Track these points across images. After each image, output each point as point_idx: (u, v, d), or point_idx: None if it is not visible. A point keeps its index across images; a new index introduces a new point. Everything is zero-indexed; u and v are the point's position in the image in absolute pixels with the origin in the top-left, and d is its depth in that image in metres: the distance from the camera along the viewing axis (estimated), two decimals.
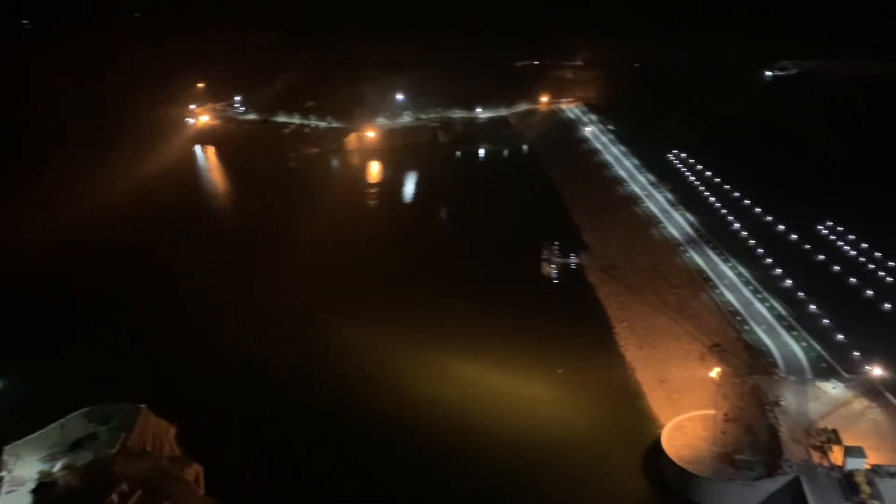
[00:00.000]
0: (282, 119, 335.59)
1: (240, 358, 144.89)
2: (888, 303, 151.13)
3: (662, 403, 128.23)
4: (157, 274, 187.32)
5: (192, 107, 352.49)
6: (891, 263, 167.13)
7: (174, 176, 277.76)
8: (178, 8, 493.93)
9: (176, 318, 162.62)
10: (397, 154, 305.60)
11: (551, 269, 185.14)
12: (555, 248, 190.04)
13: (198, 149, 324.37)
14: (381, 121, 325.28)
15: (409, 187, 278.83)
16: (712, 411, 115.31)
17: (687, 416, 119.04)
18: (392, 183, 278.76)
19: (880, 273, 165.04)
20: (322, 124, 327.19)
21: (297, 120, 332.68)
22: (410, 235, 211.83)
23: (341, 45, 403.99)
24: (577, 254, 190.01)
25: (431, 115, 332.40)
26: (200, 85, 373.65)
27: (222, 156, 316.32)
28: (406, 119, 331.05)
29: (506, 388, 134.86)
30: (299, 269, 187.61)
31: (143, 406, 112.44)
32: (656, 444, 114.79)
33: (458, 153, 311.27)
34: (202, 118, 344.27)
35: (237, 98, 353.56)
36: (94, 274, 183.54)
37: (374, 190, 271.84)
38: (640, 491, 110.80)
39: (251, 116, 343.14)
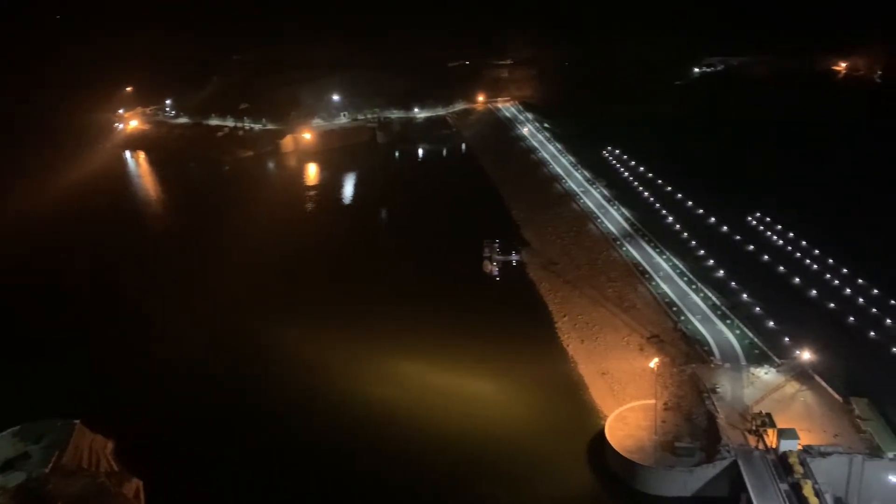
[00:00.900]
0: (215, 122, 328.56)
1: (177, 368, 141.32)
2: (814, 289, 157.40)
3: (605, 395, 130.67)
4: (86, 283, 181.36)
5: (120, 111, 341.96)
6: (816, 252, 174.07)
7: (103, 182, 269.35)
8: (101, 9, 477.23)
9: (107, 329, 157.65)
10: (335, 155, 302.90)
11: (493, 267, 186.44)
12: (496, 245, 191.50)
13: (128, 154, 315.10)
14: (318, 122, 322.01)
15: (348, 189, 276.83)
16: (652, 401, 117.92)
17: (628, 407, 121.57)
18: (330, 185, 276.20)
19: (806, 261, 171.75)
20: (257, 126, 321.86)
21: (230, 123, 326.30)
22: (351, 237, 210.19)
23: (275, 46, 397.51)
24: (517, 251, 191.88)
25: (369, 116, 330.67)
26: (129, 89, 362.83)
27: (154, 161, 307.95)
28: (343, 120, 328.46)
29: (451, 387, 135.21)
30: (237, 275, 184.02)
31: (76, 422, 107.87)
32: (600, 435, 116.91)
33: (397, 153, 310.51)
34: (131, 123, 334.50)
35: (168, 101, 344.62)
36: (16, 285, 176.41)
37: (312, 192, 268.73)
38: (586, 482, 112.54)
39: (183, 120, 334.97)
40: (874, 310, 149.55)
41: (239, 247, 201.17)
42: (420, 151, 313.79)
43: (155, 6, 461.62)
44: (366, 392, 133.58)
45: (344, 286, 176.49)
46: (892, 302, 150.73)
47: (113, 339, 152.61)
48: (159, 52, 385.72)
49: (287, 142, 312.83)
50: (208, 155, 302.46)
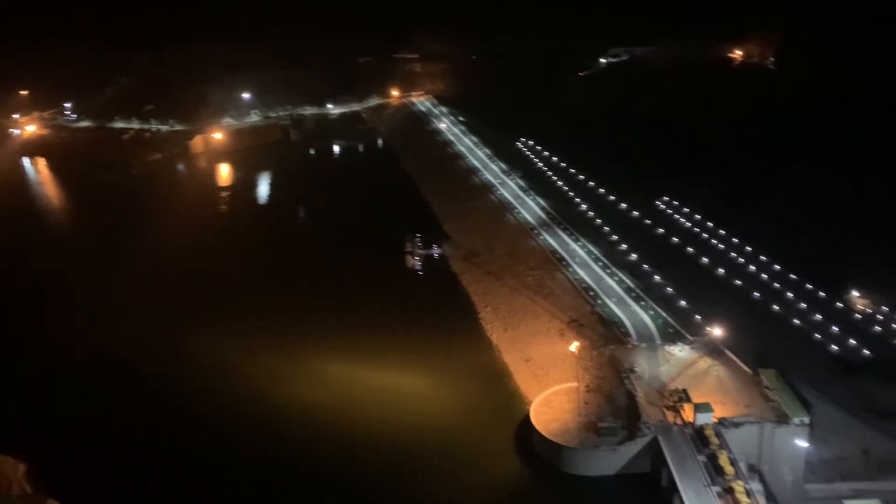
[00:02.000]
0: (119, 125, 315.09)
1: (91, 382, 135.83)
2: (721, 268, 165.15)
3: (529, 381, 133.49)
4: None
5: (15, 116, 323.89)
6: (722, 232, 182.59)
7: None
8: None
9: (14, 346, 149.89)
10: (248, 155, 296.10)
11: (415, 262, 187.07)
12: (417, 240, 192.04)
13: (26, 161, 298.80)
14: (228, 121, 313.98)
15: (263, 188, 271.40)
16: (575, 384, 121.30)
17: (552, 391, 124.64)
18: (244, 185, 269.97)
19: (712, 241, 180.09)
20: (164, 128, 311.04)
21: (136, 125, 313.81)
22: (268, 238, 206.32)
23: (181, 45, 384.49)
24: (438, 244, 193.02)
25: (281, 113, 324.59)
26: (23, 92, 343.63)
27: (55, 167, 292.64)
28: (254, 118, 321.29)
29: (380, 384, 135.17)
30: (151, 282, 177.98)
31: None
32: (526, 421, 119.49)
33: (312, 151, 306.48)
34: (28, 128, 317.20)
35: (67, 105, 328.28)
36: None
37: (225, 193, 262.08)
38: (514, 467, 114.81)
39: (85, 123, 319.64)
40: (776, 284, 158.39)
41: (151, 252, 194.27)
42: (335, 148, 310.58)
43: (48, 7, 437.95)
44: (292, 394, 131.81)
45: (264, 288, 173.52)
46: (793, 276, 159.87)
47: (18, 356, 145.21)
48: (54, 54, 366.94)
49: (197, 142, 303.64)
50: (114, 159, 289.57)
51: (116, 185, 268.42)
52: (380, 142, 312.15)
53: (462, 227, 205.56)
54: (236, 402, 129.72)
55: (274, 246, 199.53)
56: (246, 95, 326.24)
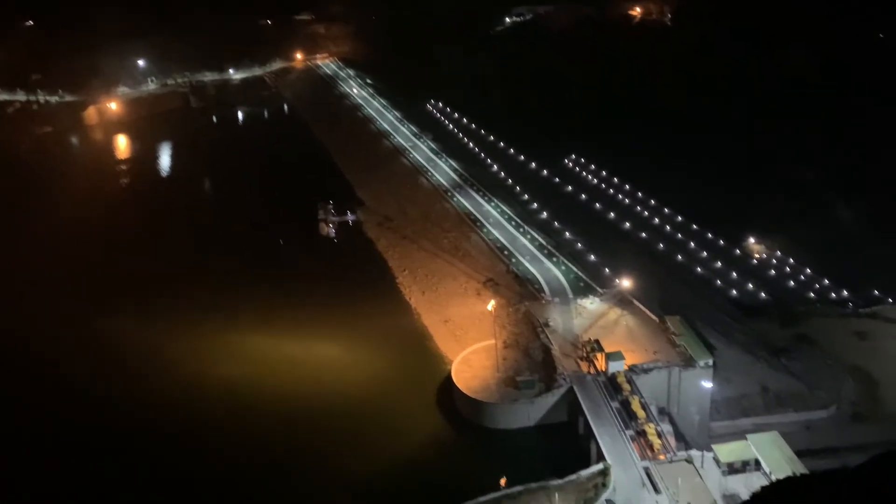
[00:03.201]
0: (3, 97, 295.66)
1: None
2: (627, 222, 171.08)
3: (448, 341, 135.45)
4: None
5: None
6: (627, 186, 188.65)
7: None
8: None
9: None
10: (146, 125, 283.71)
11: (329, 229, 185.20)
12: (330, 207, 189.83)
13: None
14: (123, 90, 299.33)
15: (165, 160, 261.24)
16: (492, 341, 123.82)
17: (471, 350, 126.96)
18: (144, 157, 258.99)
19: (619, 196, 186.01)
20: (54, 99, 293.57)
21: (21, 97, 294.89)
22: (173, 212, 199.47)
23: (66, 9, 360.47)
24: (353, 210, 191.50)
25: (179, 80, 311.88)
26: None
27: None
28: (151, 86, 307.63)
29: (300, 356, 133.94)
30: (49, 264, 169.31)
31: None
32: (447, 380, 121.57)
33: (214, 118, 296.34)
34: None
35: None
36: None
37: (124, 167, 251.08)
38: (437, 425, 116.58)
39: None
40: (679, 235, 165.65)
41: (47, 233, 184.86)
42: (240, 115, 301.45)
43: None
44: (208, 373, 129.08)
45: (171, 264, 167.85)
46: (694, 227, 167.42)
47: None
48: None
49: (90, 114, 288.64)
50: None
51: (3, 161, 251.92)
52: (286, 107, 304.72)
53: (375, 192, 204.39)
54: (149, 384, 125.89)
55: (179, 221, 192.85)
56: (140, 62, 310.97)
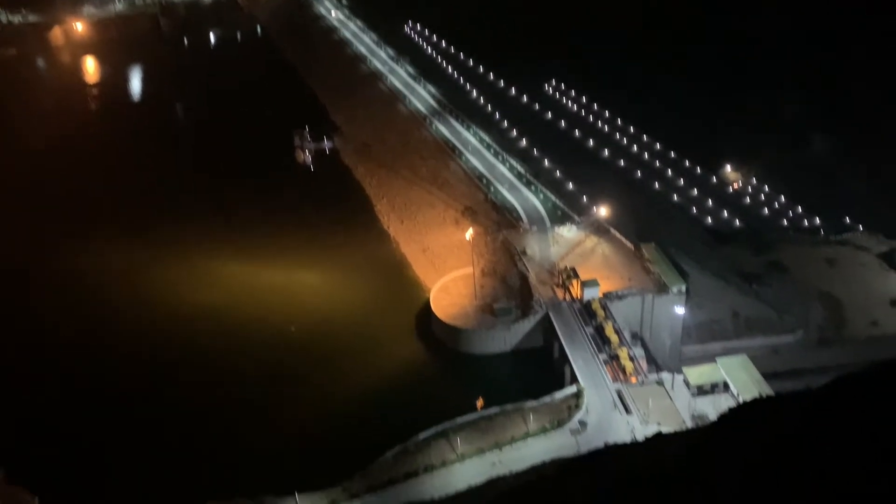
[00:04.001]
0: None
1: None
2: (606, 149, 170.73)
3: (427, 270, 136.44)
4: None
5: None
6: (607, 114, 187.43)
7: None
8: None
9: None
10: (115, 47, 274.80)
11: (306, 157, 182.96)
12: (306, 133, 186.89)
13: None
14: (90, 11, 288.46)
15: (136, 84, 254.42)
16: (470, 269, 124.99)
17: (449, 277, 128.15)
18: (114, 81, 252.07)
19: (598, 123, 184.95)
20: (17, 19, 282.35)
21: None
22: (146, 137, 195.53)
23: None
24: (329, 137, 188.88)
25: (148, 2, 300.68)
26: None
27: None
28: (119, 6, 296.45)
29: (280, 283, 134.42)
30: (16, 191, 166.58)
31: None
32: (426, 308, 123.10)
33: (185, 41, 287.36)
34: None
35: None
36: None
37: (94, 91, 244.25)
38: (416, 352, 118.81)
39: None
40: (657, 163, 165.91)
41: (13, 161, 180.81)
42: (212, 37, 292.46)
43: None
44: (190, 300, 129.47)
45: (146, 194, 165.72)
46: (672, 154, 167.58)
47: None
48: None
49: (56, 35, 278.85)
50: None
51: None
52: (259, 29, 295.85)
53: (352, 118, 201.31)
54: (132, 312, 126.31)
55: (152, 146, 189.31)
56: None
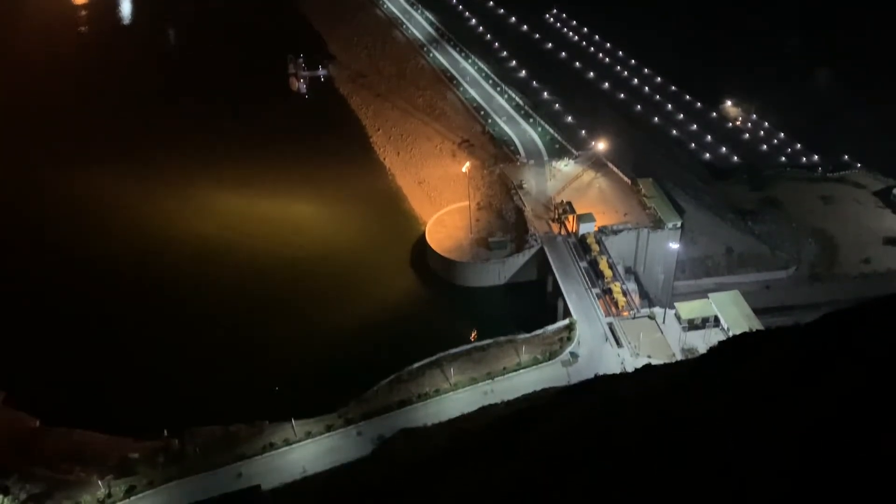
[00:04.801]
0: None
1: None
2: (606, 82, 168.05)
3: (423, 202, 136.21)
4: None
5: None
6: (608, 45, 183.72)
7: None
8: None
9: None
10: None
11: (300, 84, 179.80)
12: (300, 61, 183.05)
13: None
14: None
15: (126, 7, 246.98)
16: (466, 203, 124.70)
17: (445, 211, 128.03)
18: (104, 3, 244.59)
19: (600, 55, 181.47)
20: None
21: None
22: (137, 63, 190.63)
23: None
24: (324, 65, 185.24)
25: None
26: None
27: None
28: None
29: (278, 214, 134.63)
30: (14, 112, 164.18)
31: None
32: (421, 240, 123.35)
33: None
34: None
35: None
36: None
37: (83, 13, 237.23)
38: (412, 283, 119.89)
39: None
40: (657, 97, 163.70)
41: (5, 81, 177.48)
42: None
43: None
44: (184, 230, 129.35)
45: (139, 122, 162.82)
46: (673, 88, 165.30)
47: None
48: None
49: None
50: None
51: None
52: None
53: (348, 46, 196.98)
54: (129, 240, 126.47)
55: (143, 73, 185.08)
56: None
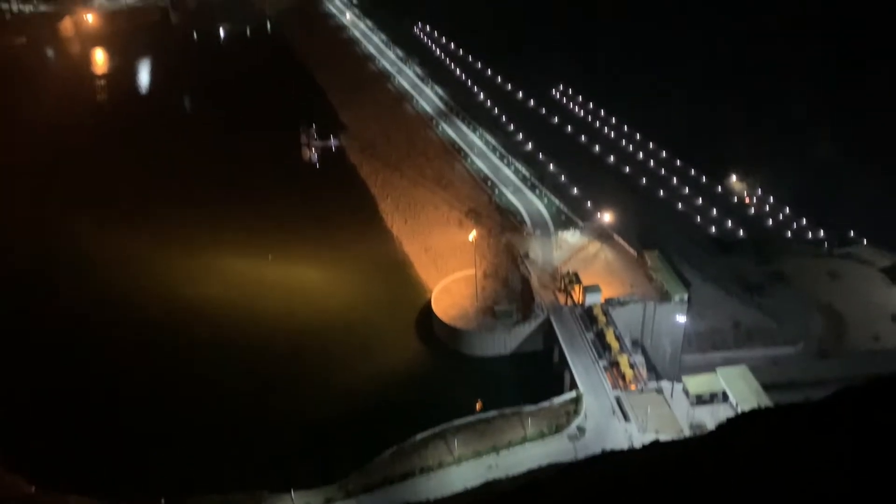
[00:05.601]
0: None
1: None
2: (612, 155, 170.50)
3: (429, 270, 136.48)
4: None
5: None
6: (613, 120, 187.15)
7: None
8: None
9: None
10: (124, 39, 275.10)
11: (312, 153, 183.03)
12: (313, 131, 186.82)
13: None
14: (101, 2, 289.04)
15: (144, 76, 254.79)
16: (472, 271, 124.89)
17: (451, 278, 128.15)
18: (123, 72, 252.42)
19: (604, 129, 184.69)
20: (28, 9, 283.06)
21: None
22: (152, 128, 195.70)
23: None
24: (336, 135, 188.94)
25: None
26: None
27: None
28: None
29: (282, 277, 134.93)
30: (22, 175, 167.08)
31: None
32: (427, 307, 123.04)
33: (195, 34, 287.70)
34: None
35: None
36: None
37: (102, 82, 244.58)
38: (416, 351, 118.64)
39: None
40: (662, 171, 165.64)
41: (22, 143, 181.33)
42: (221, 32, 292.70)
43: None
44: (194, 293, 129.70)
45: (151, 181, 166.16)
46: (678, 163, 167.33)
47: None
48: None
49: (66, 25, 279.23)
50: None
51: None
52: (269, 26, 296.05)
53: (359, 117, 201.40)
54: (140, 303, 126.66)
55: (159, 137, 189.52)
56: None
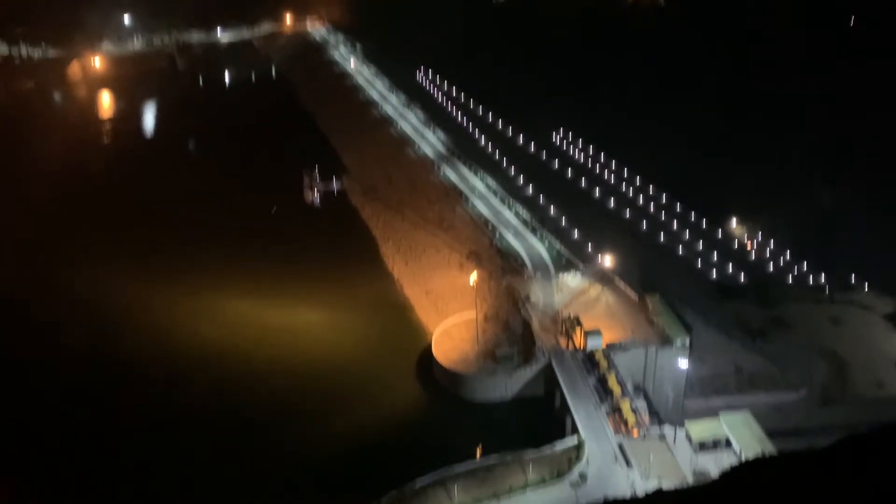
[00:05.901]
0: None
1: None
2: (612, 199, 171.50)
3: (429, 313, 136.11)
4: None
5: None
6: (613, 163, 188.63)
7: None
8: None
9: None
10: (131, 84, 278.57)
11: (314, 196, 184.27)
12: (315, 174, 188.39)
13: None
14: (108, 47, 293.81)
15: (149, 120, 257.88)
16: (473, 314, 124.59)
17: (452, 322, 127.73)
18: (129, 117, 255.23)
19: (605, 174, 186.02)
20: (36, 53, 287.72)
21: (3, 49, 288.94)
22: (156, 173, 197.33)
23: None
24: (338, 178, 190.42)
25: (166, 41, 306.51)
26: None
27: None
28: (137, 44, 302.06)
29: (280, 320, 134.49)
30: (28, 217, 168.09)
31: None
32: (427, 351, 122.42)
33: (201, 80, 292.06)
34: None
35: None
36: None
37: (108, 126, 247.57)
38: (416, 396, 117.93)
39: None
40: (663, 214, 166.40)
41: (28, 186, 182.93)
42: (226, 77, 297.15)
43: None
44: (189, 334, 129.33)
45: (155, 225, 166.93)
46: (679, 206, 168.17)
47: None
48: None
49: (74, 70, 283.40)
50: None
51: None
52: (274, 72, 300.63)
53: (361, 160, 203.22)
54: (133, 340, 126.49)
55: (162, 182, 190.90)
56: (126, 18, 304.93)
